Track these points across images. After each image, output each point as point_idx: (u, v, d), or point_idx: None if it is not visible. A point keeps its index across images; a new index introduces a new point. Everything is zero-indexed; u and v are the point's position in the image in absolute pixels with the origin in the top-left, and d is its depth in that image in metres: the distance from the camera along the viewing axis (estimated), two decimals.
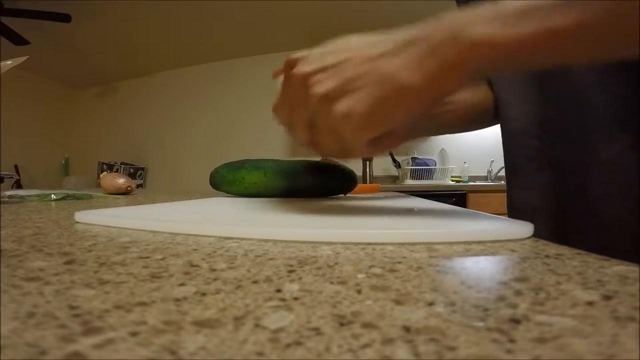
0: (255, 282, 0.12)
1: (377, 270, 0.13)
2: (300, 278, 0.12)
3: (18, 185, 2.61)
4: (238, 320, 0.09)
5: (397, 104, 0.21)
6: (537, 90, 0.35)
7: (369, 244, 0.18)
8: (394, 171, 2.45)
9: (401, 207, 0.36)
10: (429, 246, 0.17)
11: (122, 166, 2.81)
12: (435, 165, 2.30)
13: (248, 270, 0.13)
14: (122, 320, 0.09)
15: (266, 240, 0.19)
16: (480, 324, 0.08)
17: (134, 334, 0.08)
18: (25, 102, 2.99)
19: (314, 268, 0.14)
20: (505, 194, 0.43)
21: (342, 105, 0.22)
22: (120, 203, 0.49)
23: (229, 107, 2.90)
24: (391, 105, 0.21)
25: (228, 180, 0.53)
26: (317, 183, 0.50)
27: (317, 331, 0.08)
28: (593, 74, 0.29)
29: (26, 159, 2.96)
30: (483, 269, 0.14)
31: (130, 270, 0.13)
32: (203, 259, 0.15)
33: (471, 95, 0.42)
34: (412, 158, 2.32)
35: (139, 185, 2.74)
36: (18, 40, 2.14)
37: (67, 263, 0.14)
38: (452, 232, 0.19)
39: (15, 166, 2.84)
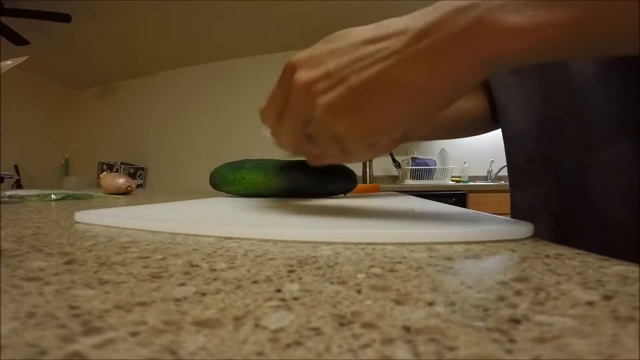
0: (255, 282, 0.12)
1: (377, 270, 0.13)
2: (300, 278, 0.12)
3: (18, 185, 2.62)
4: (238, 320, 0.09)
5: (407, 110, 0.20)
6: (536, 92, 0.35)
7: (369, 244, 0.18)
8: (394, 171, 2.45)
9: (401, 207, 0.36)
10: (429, 246, 0.17)
11: (122, 166, 2.81)
12: (435, 165, 2.30)
13: (248, 270, 0.13)
14: (122, 320, 0.09)
15: (266, 240, 0.19)
16: (480, 324, 0.08)
17: (134, 334, 0.08)
18: (25, 102, 2.99)
19: (314, 268, 0.14)
20: (505, 194, 0.44)
21: (348, 116, 0.21)
22: (120, 203, 0.49)
23: (229, 107, 2.90)
24: (400, 112, 0.20)
25: (228, 180, 0.53)
26: (317, 183, 0.50)
27: (317, 331, 0.08)
28: (592, 74, 0.29)
29: (26, 159, 2.96)
30: (483, 269, 0.14)
31: (130, 270, 0.13)
32: (203, 259, 0.15)
33: (465, 101, 0.42)
34: (412, 158, 2.32)
35: (139, 185, 2.75)
36: (18, 40, 2.14)
37: (67, 263, 0.14)
38: (452, 232, 0.19)
39: (15, 166, 2.84)
